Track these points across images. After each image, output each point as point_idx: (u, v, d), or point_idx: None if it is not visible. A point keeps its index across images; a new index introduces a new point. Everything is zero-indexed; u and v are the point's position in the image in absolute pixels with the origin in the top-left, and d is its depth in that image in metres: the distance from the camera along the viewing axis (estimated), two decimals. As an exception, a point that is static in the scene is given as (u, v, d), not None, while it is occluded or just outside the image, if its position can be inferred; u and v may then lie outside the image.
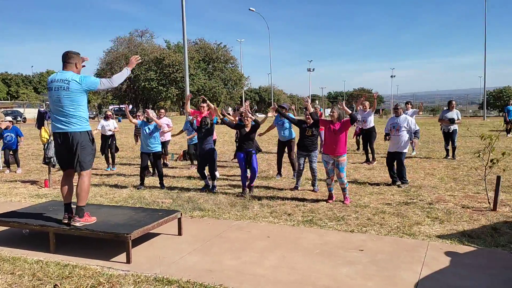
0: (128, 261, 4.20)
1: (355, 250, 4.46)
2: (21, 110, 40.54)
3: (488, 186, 6.33)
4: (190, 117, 9.24)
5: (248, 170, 7.34)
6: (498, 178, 5.95)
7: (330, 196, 6.67)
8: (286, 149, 8.81)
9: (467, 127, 14.42)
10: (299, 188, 7.58)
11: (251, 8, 47.57)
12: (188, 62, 15.34)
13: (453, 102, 11.11)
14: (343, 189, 6.50)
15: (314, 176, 7.44)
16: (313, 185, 7.52)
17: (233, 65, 56.54)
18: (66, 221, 4.58)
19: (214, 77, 52.65)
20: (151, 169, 9.39)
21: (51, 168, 8.31)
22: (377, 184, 7.84)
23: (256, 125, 7.29)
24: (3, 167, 10.63)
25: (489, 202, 6.09)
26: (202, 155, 7.74)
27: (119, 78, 4.80)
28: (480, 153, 6.12)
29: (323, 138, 10.04)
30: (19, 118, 32.67)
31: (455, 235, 4.89)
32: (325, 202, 6.52)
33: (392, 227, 5.23)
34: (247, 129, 7.27)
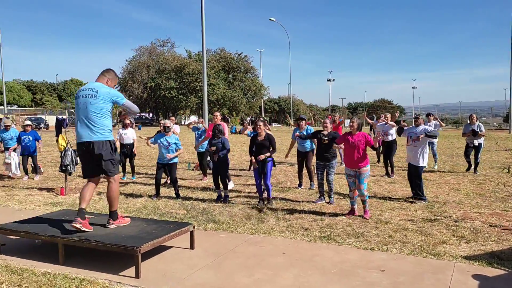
0: (137, 275, 4.05)
1: (375, 270, 4.21)
2: (43, 117, 41.23)
3: (518, 203, 5.99)
4: (200, 125, 9.54)
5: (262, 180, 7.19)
6: (530, 195, 5.61)
7: (352, 211, 6.40)
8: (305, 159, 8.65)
9: (496, 141, 13.89)
10: (318, 203, 7.30)
11: (271, 19, 47.68)
12: (207, 71, 15.21)
13: (474, 116, 10.80)
14: (363, 201, 6.24)
15: (331, 188, 7.21)
16: (329, 196, 7.28)
17: (253, 75, 56.51)
18: (76, 225, 4.44)
19: (234, 86, 52.75)
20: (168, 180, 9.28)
21: (67, 176, 8.29)
22: (399, 199, 7.52)
23: (271, 135, 7.17)
24: (12, 173, 10.17)
25: (519, 221, 5.74)
26: (215, 165, 7.59)
27: (135, 106, 4.94)
28: (511, 168, 5.78)
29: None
30: (42, 125, 33.13)
31: (483, 256, 4.58)
32: (344, 217, 6.26)
33: (415, 245, 4.95)
34: (260, 138, 7.12)
